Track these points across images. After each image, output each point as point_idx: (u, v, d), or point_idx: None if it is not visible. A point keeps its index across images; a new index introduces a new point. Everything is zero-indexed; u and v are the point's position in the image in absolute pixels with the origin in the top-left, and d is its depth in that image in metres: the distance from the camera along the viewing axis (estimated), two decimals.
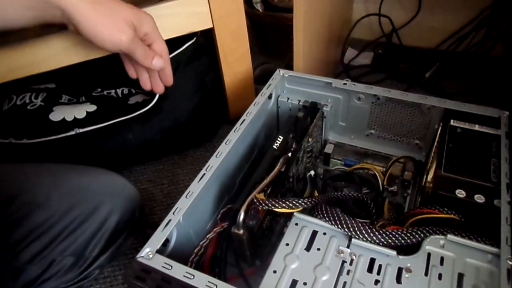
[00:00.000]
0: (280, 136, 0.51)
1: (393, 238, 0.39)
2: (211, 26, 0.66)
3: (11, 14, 0.45)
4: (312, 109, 0.57)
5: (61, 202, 0.48)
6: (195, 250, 0.41)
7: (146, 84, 0.61)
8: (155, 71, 0.59)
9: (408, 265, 0.37)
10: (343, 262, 0.38)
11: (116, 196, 0.52)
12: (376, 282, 0.36)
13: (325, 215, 0.41)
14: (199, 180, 0.44)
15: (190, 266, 0.38)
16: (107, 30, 0.48)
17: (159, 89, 0.62)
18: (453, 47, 0.89)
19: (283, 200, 0.41)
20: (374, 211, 0.51)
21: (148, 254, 0.36)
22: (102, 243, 0.50)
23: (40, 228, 0.46)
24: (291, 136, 0.52)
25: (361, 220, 0.40)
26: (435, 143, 0.51)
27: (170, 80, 0.61)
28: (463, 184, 0.42)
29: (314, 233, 0.40)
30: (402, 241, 0.39)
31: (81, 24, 0.47)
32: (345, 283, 0.36)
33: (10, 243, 0.45)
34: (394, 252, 0.38)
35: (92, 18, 0.47)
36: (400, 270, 0.37)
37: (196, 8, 0.64)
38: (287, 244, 0.39)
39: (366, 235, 0.39)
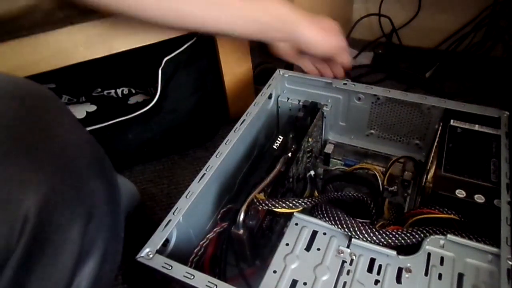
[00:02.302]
0: (280, 136, 0.51)
1: (393, 238, 0.39)
2: None
3: (226, 22, 0.51)
4: (312, 109, 0.57)
5: None
6: (195, 250, 0.41)
7: (329, 74, 0.64)
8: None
9: (408, 265, 0.37)
10: (343, 262, 0.38)
11: None
12: (376, 282, 0.36)
13: (325, 215, 0.41)
14: (199, 180, 0.44)
15: (190, 266, 0.38)
16: (322, 39, 0.57)
17: (340, 73, 0.65)
18: (453, 47, 0.89)
19: (283, 200, 0.41)
20: (374, 211, 0.51)
21: (148, 254, 0.36)
22: None
23: None
24: (291, 136, 0.52)
25: (361, 220, 0.41)
26: (435, 143, 0.51)
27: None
28: (463, 184, 0.42)
29: (314, 233, 0.40)
30: (402, 241, 0.39)
31: (305, 37, 0.56)
32: (345, 283, 0.36)
33: None
34: (394, 252, 0.38)
35: (312, 32, 0.56)
36: (400, 270, 0.37)
37: None
38: (287, 244, 0.39)
39: (366, 235, 0.39)
